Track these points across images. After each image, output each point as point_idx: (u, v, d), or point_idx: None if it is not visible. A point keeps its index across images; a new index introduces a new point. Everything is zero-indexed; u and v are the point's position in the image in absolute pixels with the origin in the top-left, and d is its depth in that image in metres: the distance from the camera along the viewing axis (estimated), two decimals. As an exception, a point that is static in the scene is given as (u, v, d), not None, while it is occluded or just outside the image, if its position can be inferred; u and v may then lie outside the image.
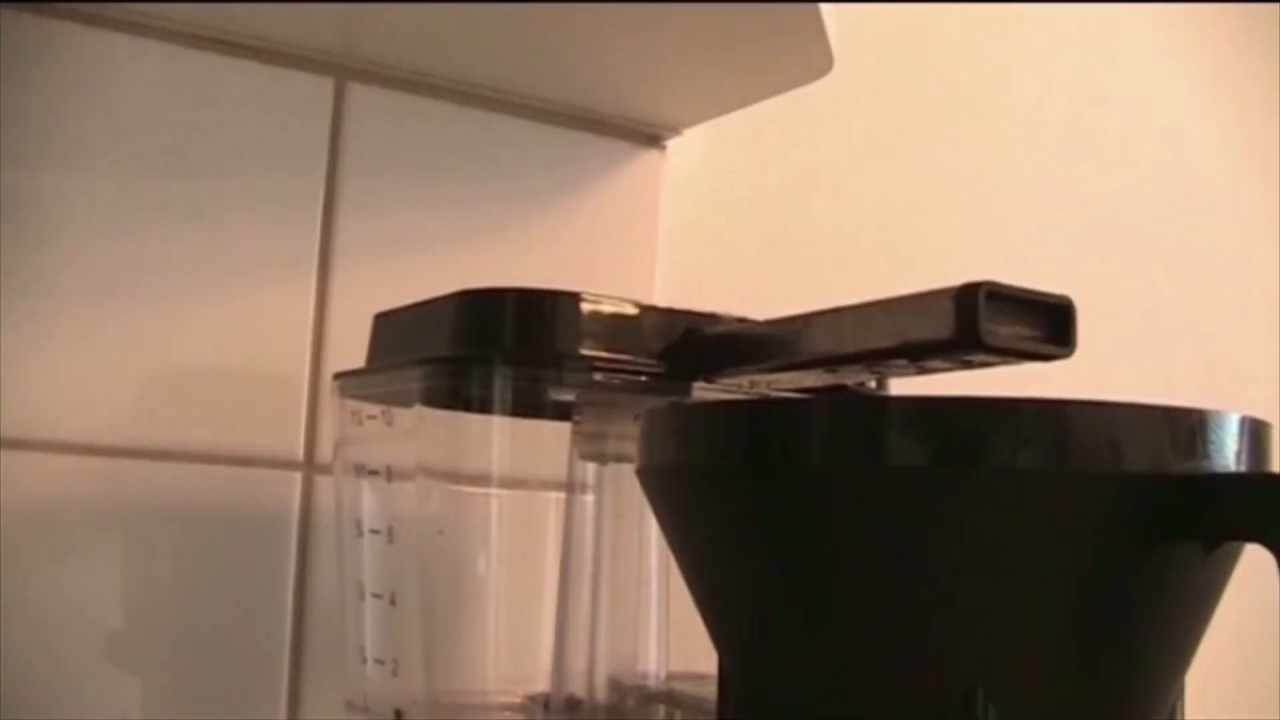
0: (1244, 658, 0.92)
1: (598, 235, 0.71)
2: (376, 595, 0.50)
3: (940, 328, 0.33)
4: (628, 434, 0.47)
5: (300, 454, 0.62)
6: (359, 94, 0.64)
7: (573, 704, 0.47)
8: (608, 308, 0.44)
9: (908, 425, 0.31)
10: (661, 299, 0.73)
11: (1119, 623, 0.31)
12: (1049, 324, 0.33)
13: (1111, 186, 0.96)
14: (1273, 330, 1.03)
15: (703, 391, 0.44)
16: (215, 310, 0.61)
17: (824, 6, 0.56)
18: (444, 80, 0.66)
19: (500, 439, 0.48)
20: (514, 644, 0.49)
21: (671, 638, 0.49)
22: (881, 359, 0.36)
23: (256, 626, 0.61)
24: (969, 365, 0.35)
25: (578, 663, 0.47)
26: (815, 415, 0.32)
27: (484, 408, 0.45)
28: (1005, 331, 0.32)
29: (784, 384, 0.42)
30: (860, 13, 0.79)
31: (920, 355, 0.35)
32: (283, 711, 0.61)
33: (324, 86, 0.64)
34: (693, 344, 0.44)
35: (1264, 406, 0.36)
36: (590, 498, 0.48)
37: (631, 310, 0.45)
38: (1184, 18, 1.00)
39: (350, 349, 0.63)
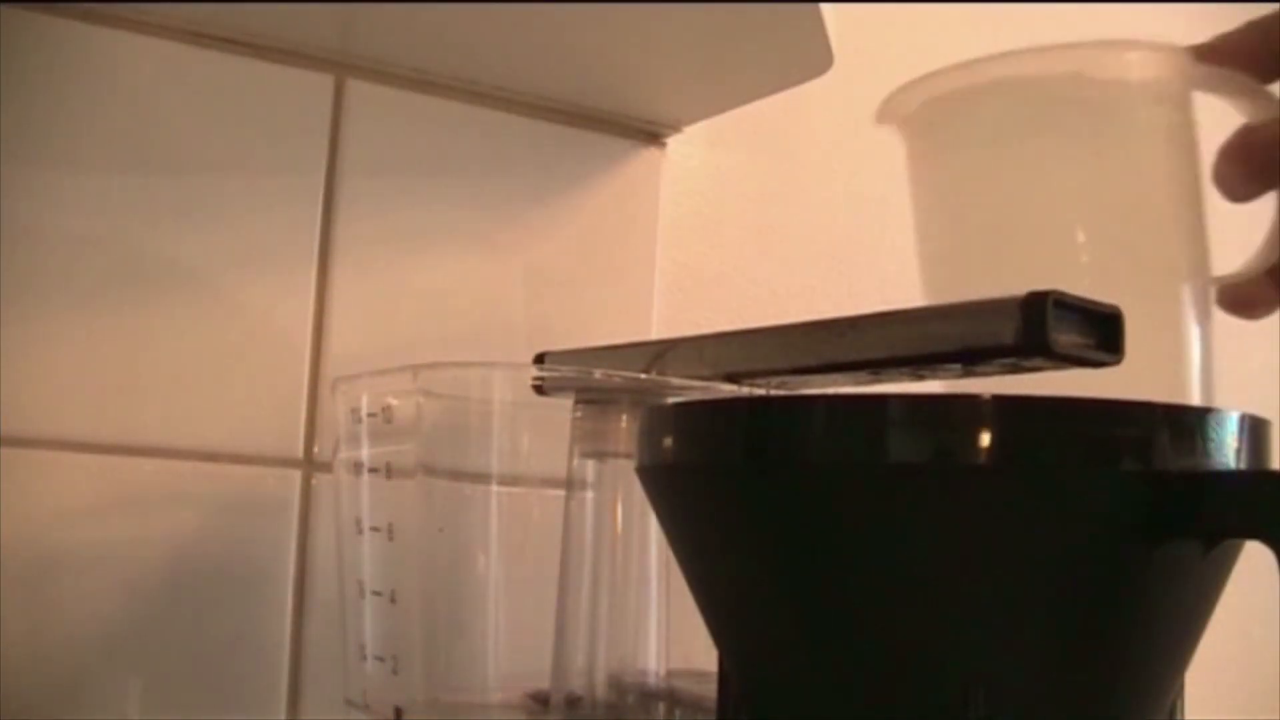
0: (1244, 657, 0.91)
1: (598, 232, 0.71)
2: (376, 593, 0.50)
3: (1003, 334, 0.34)
4: (627, 431, 0.47)
5: (300, 452, 0.62)
6: (359, 91, 0.64)
7: (572, 701, 0.47)
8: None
9: (907, 423, 0.31)
10: (661, 296, 0.73)
11: (1118, 621, 0.31)
12: (1100, 332, 0.34)
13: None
14: (1274, 329, 1.03)
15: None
16: (215, 308, 0.61)
17: (824, 4, 0.56)
18: (443, 78, 0.66)
19: (500, 437, 0.48)
20: (514, 641, 0.49)
21: (671, 635, 0.49)
22: (936, 363, 0.37)
23: (256, 624, 0.61)
24: (1019, 370, 0.35)
25: (577, 660, 0.48)
26: (814, 413, 0.32)
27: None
28: (1064, 339, 0.33)
29: (815, 386, 0.42)
30: (861, 10, 0.79)
31: (977, 360, 0.35)
32: (283, 709, 0.61)
33: (323, 84, 0.64)
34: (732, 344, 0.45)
35: (1263, 404, 0.36)
36: (590, 495, 0.48)
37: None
38: (1185, 18, 1.00)
39: (350, 346, 0.63)
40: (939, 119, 0.47)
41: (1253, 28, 0.45)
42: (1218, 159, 0.47)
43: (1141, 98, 0.45)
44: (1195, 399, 0.46)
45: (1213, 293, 0.47)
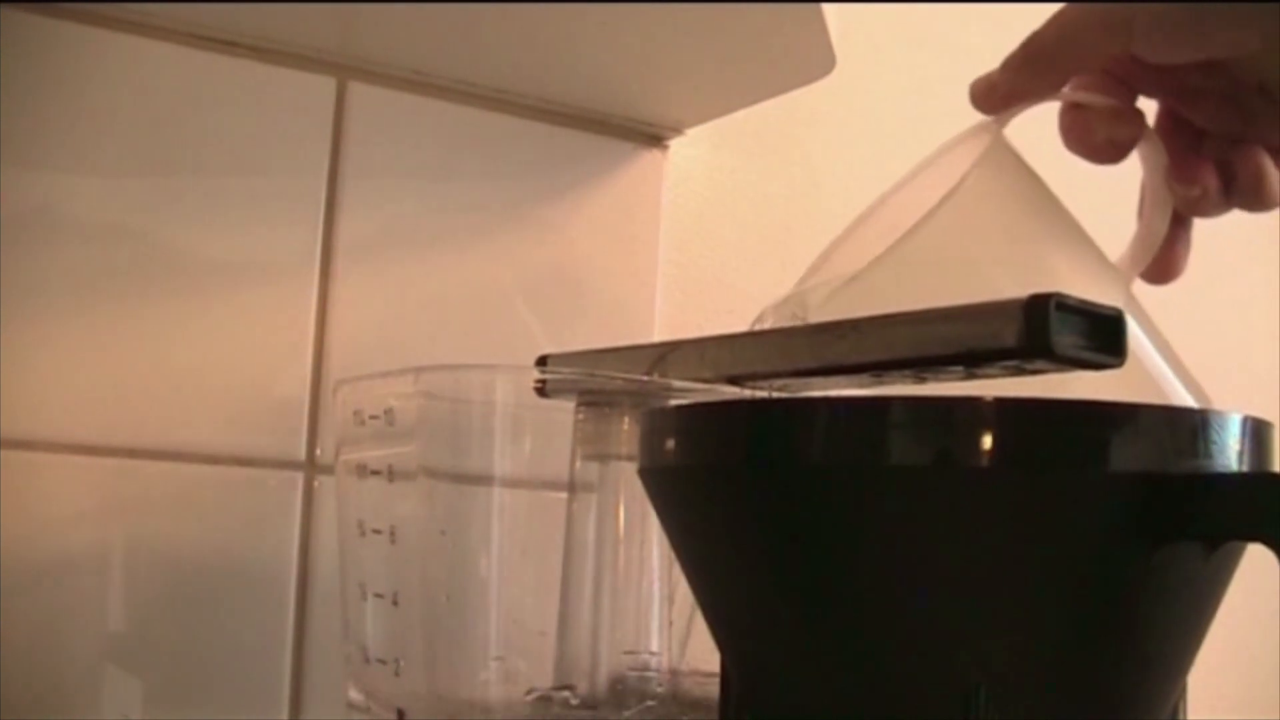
0: (1245, 657, 0.91)
1: (600, 235, 0.71)
2: (379, 595, 0.50)
3: (1005, 336, 0.34)
4: (630, 433, 0.47)
5: (302, 454, 0.62)
6: (361, 94, 0.64)
7: (575, 702, 0.47)
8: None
9: (909, 425, 0.31)
10: (663, 298, 0.73)
11: (1121, 623, 0.31)
12: (1102, 334, 0.34)
13: (1112, 185, 0.96)
14: (1273, 329, 1.03)
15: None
16: (217, 310, 0.61)
17: (826, 6, 0.56)
18: (446, 80, 0.66)
19: (502, 439, 0.48)
20: (516, 643, 0.49)
21: (673, 636, 0.49)
22: (938, 366, 0.37)
23: (259, 626, 0.61)
24: (1023, 372, 0.35)
25: (580, 662, 0.48)
26: (816, 415, 0.32)
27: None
28: (1067, 341, 0.33)
29: (817, 389, 0.42)
30: (863, 12, 0.79)
31: (979, 363, 0.35)
32: (284, 711, 0.61)
33: (325, 86, 0.64)
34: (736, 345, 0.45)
35: (1265, 406, 0.36)
36: (593, 497, 0.48)
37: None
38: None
39: (352, 348, 0.63)
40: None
41: (1024, 62, 0.47)
42: (1064, 141, 0.49)
43: (985, 195, 0.46)
44: (1175, 382, 0.47)
45: (1131, 283, 0.49)
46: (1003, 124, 0.47)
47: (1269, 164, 0.48)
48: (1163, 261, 0.50)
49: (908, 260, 0.42)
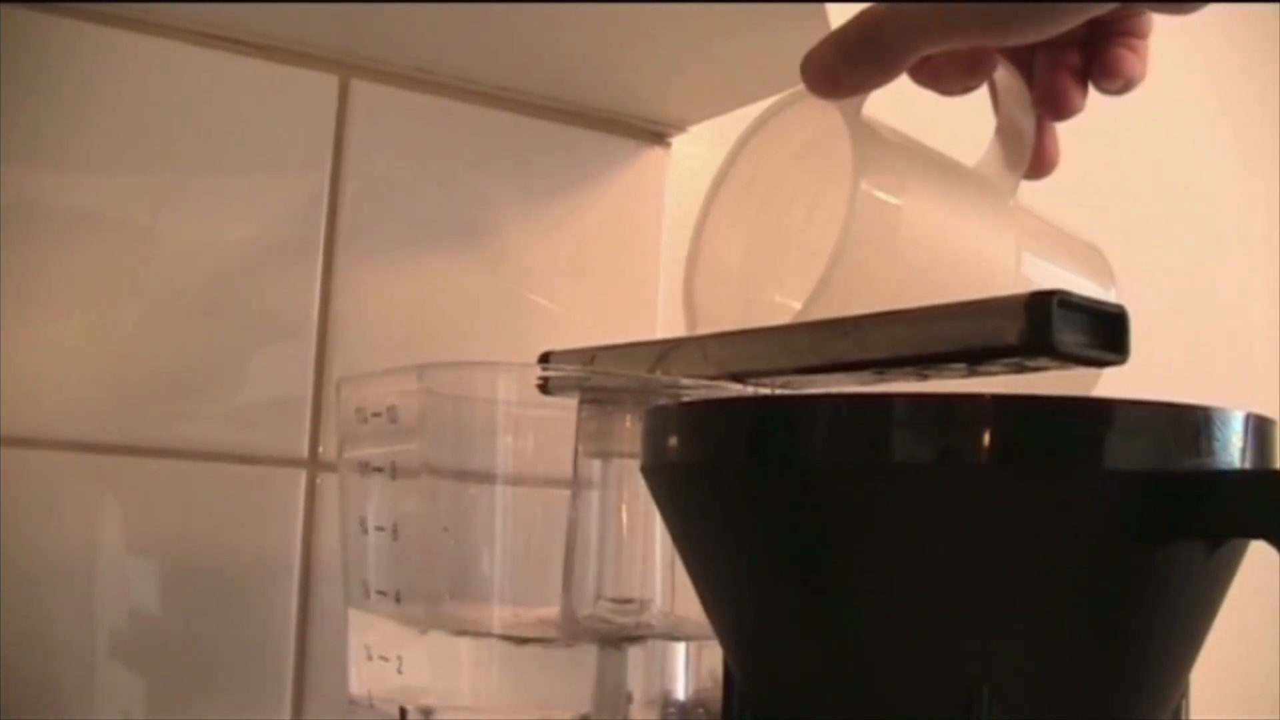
0: (1246, 657, 0.91)
1: (602, 232, 0.71)
2: (381, 592, 0.50)
3: (1007, 334, 0.34)
4: (632, 430, 0.47)
5: (305, 451, 0.62)
6: (363, 91, 0.65)
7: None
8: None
9: (911, 422, 0.31)
10: (665, 295, 0.73)
11: (1123, 622, 0.31)
12: (1104, 331, 0.34)
13: (1113, 185, 0.96)
14: (1274, 327, 1.03)
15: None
16: (219, 307, 0.61)
17: (828, 6, 0.56)
18: (448, 77, 0.66)
19: (505, 436, 0.48)
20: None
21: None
22: (941, 363, 0.37)
23: (261, 624, 0.61)
24: (1024, 370, 0.35)
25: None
26: (818, 412, 0.32)
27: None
28: (1069, 339, 0.33)
29: (819, 386, 0.42)
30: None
31: (981, 360, 0.35)
32: (287, 709, 0.61)
33: (328, 84, 0.64)
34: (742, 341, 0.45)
35: (1268, 403, 0.36)
36: (595, 495, 0.48)
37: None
38: (1185, 17, 1.00)
39: (355, 345, 0.63)
40: None
41: (867, 58, 0.46)
42: (914, 81, 0.48)
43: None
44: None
45: (1015, 190, 0.50)
46: (858, 108, 0.46)
47: (1126, 57, 0.48)
48: (1038, 158, 0.50)
49: (830, 307, 0.42)
